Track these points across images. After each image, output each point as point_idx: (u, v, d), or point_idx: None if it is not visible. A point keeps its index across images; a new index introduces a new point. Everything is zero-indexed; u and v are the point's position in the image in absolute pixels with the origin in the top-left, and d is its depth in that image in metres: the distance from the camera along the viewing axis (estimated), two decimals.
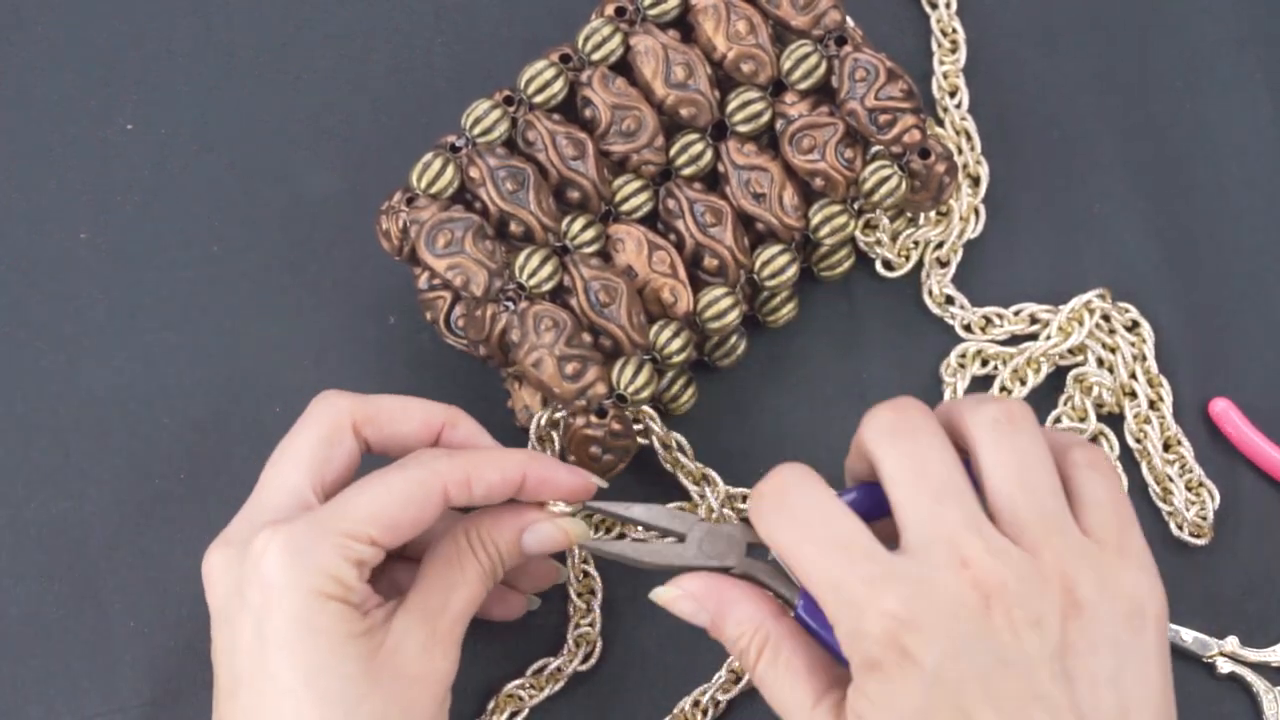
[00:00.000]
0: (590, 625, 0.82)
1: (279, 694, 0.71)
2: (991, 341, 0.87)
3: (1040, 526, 0.68)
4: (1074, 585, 0.67)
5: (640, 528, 0.79)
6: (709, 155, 0.82)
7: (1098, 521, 0.69)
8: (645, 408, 0.81)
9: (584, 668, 0.83)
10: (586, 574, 0.83)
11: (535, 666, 0.82)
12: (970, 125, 0.89)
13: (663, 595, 0.74)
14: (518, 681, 0.82)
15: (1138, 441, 0.85)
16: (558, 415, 0.80)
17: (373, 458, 0.77)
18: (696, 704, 0.82)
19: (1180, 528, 0.84)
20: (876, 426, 0.70)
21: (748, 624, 0.73)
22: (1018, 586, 0.66)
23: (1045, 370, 0.86)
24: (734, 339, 0.84)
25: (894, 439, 0.69)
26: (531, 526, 0.76)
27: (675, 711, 0.82)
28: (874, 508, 0.71)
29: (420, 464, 0.74)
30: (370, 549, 0.72)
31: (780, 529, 0.69)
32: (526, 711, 0.82)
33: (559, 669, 0.82)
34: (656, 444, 0.82)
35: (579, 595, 0.83)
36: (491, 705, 0.82)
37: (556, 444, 0.80)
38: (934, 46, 0.90)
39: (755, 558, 0.74)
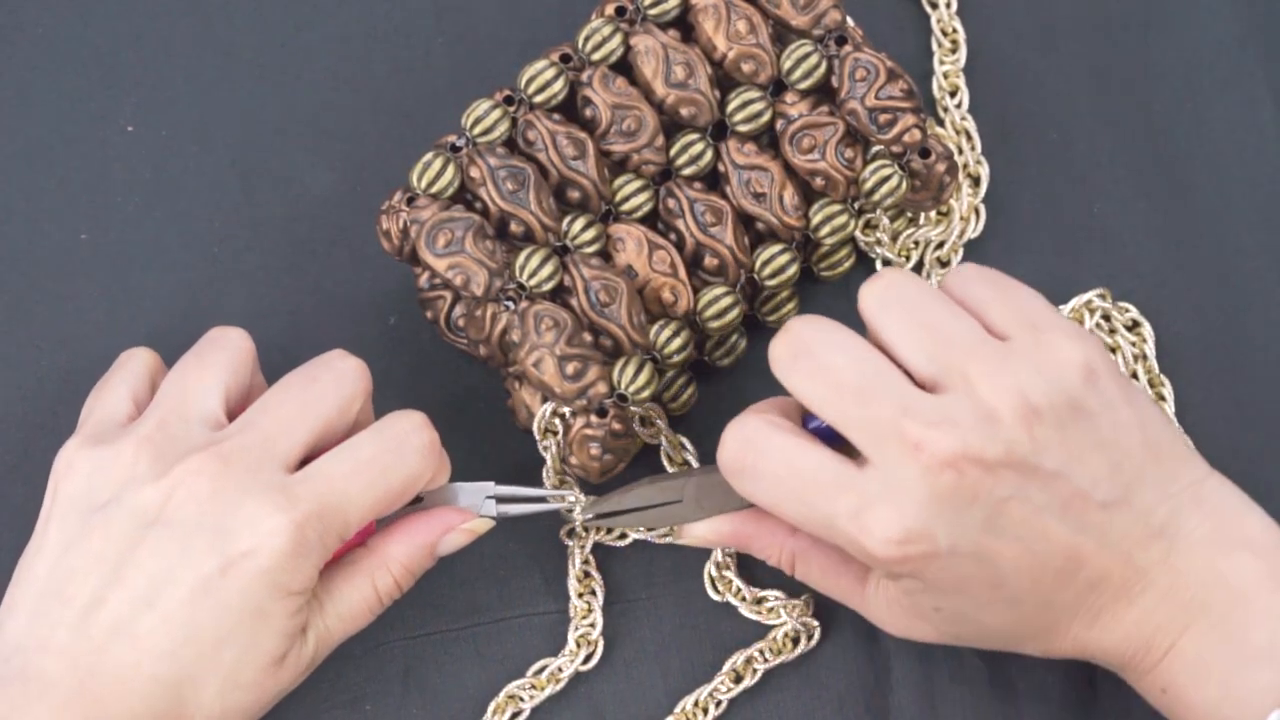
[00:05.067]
0: (591, 626, 0.82)
1: (182, 640, 0.72)
2: None
3: (960, 357, 0.71)
4: (1021, 391, 0.70)
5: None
6: (709, 155, 0.82)
7: (1002, 319, 0.73)
8: (654, 406, 0.81)
9: (585, 668, 0.82)
10: (588, 574, 0.83)
11: (535, 667, 0.82)
12: (970, 125, 0.89)
13: (690, 539, 0.79)
14: (518, 682, 0.82)
15: None
16: (563, 410, 0.80)
17: None
18: (697, 704, 0.82)
19: None
20: (777, 361, 0.73)
21: (771, 549, 0.78)
22: (975, 438, 0.70)
23: None
24: (734, 338, 0.84)
25: (795, 364, 0.72)
26: (443, 539, 0.79)
27: (676, 711, 0.82)
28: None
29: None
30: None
31: (759, 493, 0.73)
32: (527, 712, 0.82)
33: (559, 669, 0.82)
34: (666, 445, 0.82)
35: (580, 595, 0.83)
36: (492, 707, 0.82)
37: (559, 439, 0.80)
38: (934, 46, 0.90)
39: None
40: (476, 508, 0.79)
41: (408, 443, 0.76)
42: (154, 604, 0.72)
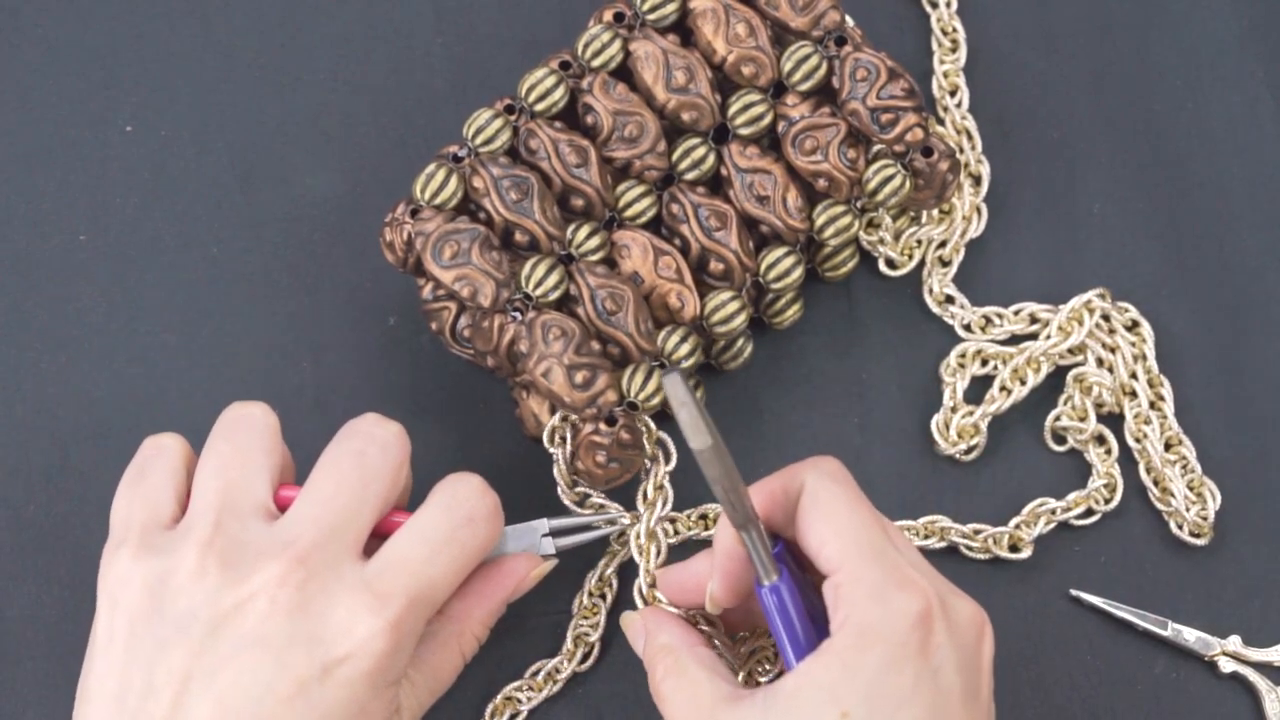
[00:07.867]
0: (592, 627, 0.82)
1: None
2: (991, 341, 0.87)
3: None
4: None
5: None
6: (711, 159, 0.82)
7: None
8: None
9: (582, 668, 0.83)
10: (602, 577, 0.83)
11: (533, 668, 0.82)
12: (971, 124, 0.89)
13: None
14: (516, 684, 0.82)
15: (1137, 441, 0.85)
16: (573, 419, 0.80)
17: None
18: None
19: (1180, 528, 0.84)
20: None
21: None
22: None
23: (1045, 370, 0.86)
24: (741, 342, 0.84)
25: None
26: (515, 590, 0.79)
27: None
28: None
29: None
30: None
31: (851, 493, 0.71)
32: (525, 714, 0.82)
33: (556, 670, 0.82)
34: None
35: (590, 595, 0.83)
36: (490, 709, 0.82)
37: (567, 450, 0.80)
38: (934, 46, 0.90)
39: (753, 526, 0.71)
40: (534, 547, 0.80)
41: (477, 513, 0.75)
42: (255, 717, 0.71)
